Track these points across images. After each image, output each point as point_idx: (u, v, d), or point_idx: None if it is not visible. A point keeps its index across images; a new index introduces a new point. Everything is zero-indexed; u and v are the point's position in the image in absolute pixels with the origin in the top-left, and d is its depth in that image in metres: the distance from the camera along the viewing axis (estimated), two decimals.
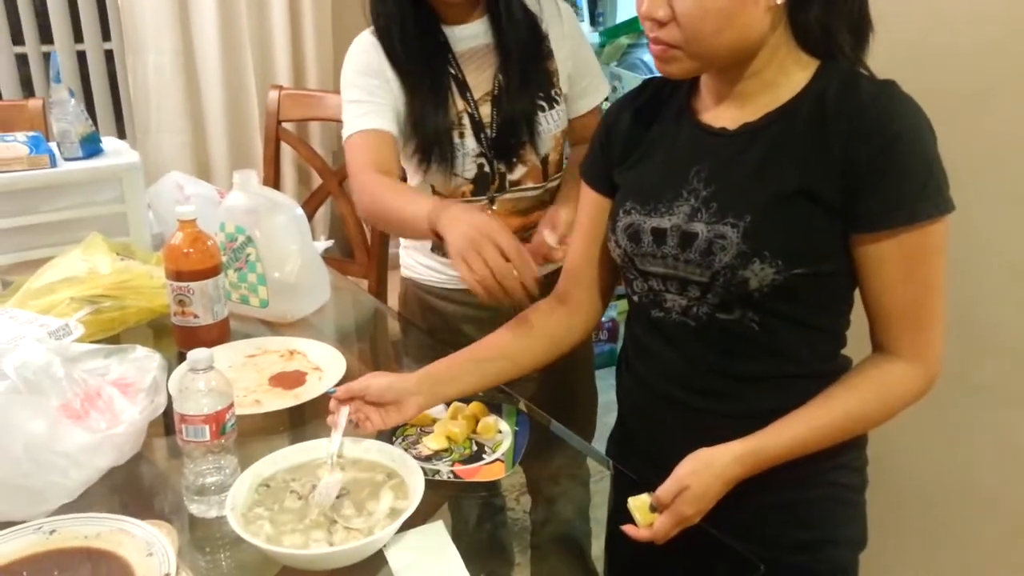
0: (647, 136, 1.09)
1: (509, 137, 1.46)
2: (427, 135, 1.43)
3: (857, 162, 0.90)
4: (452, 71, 1.46)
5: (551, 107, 1.49)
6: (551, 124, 1.49)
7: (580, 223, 1.19)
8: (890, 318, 0.96)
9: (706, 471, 0.95)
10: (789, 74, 0.97)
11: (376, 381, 1.08)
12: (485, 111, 1.46)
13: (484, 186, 1.50)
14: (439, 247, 1.51)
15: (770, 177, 0.95)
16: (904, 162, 0.90)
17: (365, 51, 1.47)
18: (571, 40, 1.53)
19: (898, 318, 0.96)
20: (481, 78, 1.47)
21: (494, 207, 1.52)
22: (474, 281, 1.08)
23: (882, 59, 0.99)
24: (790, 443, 0.96)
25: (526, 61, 1.46)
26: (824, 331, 1.02)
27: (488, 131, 1.46)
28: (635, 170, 1.09)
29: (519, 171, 1.50)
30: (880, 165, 0.90)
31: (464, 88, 1.46)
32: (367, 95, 1.44)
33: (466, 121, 1.45)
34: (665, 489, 0.95)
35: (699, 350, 1.03)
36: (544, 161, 1.52)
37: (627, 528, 0.96)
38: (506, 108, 1.45)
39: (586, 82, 1.55)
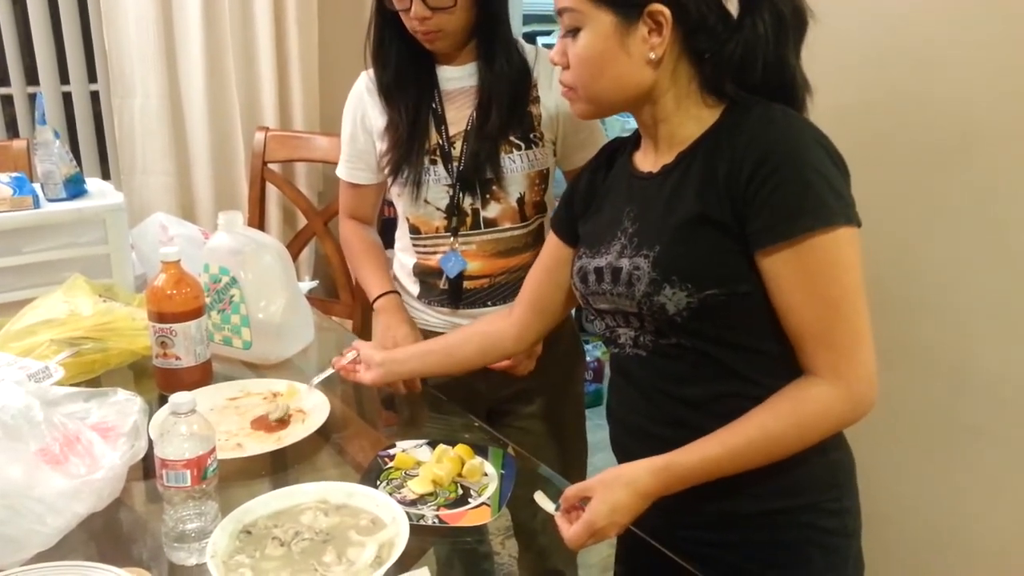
0: (601, 189, 1.17)
1: (475, 171, 1.49)
2: (400, 156, 1.52)
3: (737, 183, 0.94)
4: (434, 106, 1.51)
5: (527, 147, 1.50)
6: (522, 164, 1.50)
7: (541, 258, 1.29)
8: (802, 338, 0.97)
9: (616, 482, 0.99)
10: (696, 117, 1.03)
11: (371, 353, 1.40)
12: (457, 146, 1.51)
13: (457, 220, 1.52)
14: (424, 295, 1.61)
15: (674, 208, 1.01)
16: (776, 179, 0.92)
17: (354, 96, 1.60)
18: None
19: (809, 337, 0.96)
20: (459, 116, 1.51)
21: (458, 244, 1.53)
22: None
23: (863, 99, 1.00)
24: (702, 461, 0.98)
25: (505, 104, 1.48)
26: (764, 353, 1.00)
27: (457, 163, 1.50)
28: (590, 221, 1.17)
29: (493, 209, 1.52)
30: (756, 185, 0.93)
31: (441, 123, 1.51)
32: (349, 142, 1.61)
33: (438, 153, 1.51)
34: (570, 489, 1.02)
35: (654, 379, 1.07)
36: (520, 201, 1.52)
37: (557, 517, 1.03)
38: (473, 144, 1.49)
39: (584, 135, 1.54)
